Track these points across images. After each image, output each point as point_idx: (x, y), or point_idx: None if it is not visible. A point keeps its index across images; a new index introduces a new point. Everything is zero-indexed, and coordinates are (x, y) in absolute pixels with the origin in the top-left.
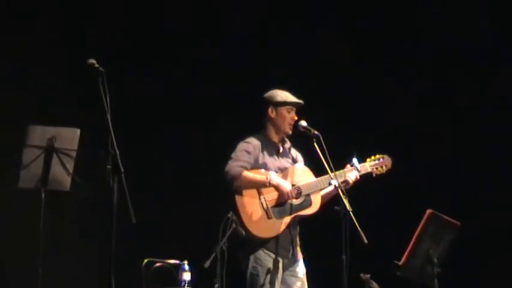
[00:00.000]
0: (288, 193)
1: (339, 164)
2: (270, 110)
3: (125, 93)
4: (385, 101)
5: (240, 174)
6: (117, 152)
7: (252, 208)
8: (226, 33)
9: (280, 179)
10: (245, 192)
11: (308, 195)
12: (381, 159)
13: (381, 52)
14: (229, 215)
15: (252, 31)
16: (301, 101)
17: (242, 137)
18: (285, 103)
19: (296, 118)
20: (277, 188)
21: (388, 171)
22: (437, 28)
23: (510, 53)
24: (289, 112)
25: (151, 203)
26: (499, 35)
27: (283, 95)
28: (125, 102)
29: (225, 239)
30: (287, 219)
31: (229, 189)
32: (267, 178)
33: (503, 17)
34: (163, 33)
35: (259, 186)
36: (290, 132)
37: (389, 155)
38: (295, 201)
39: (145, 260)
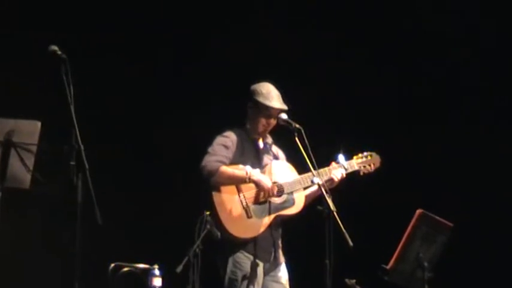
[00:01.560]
0: (268, 190)
1: (324, 161)
2: (249, 104)
3: (91, 82)
4: (374, 94)
5: (218, 169)
6: (82, 147)
7: (231, 206)
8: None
9: (261, 174)
10: (223, 188)
11: (291, 193)
12: (369, 157)
13: (370, 41)
14: (204, 215)
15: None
16: (282, 107)
17: (218, 132)
18: (262, 105)
19: (274, 123)
20: (257, 184)
21: (377, 170)
22: (428, 16)
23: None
24: (265, 116)
25: (119, 202)
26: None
27: (265, 94)
28: (91, 92)
29: (198, 241)
30: (268, 219)
31: (206, 185)
32: (246, 173)
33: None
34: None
35: (238, 182)
36: (265, 134)
37: (377, 152)
38: (277, 200)
39: (112, 265)
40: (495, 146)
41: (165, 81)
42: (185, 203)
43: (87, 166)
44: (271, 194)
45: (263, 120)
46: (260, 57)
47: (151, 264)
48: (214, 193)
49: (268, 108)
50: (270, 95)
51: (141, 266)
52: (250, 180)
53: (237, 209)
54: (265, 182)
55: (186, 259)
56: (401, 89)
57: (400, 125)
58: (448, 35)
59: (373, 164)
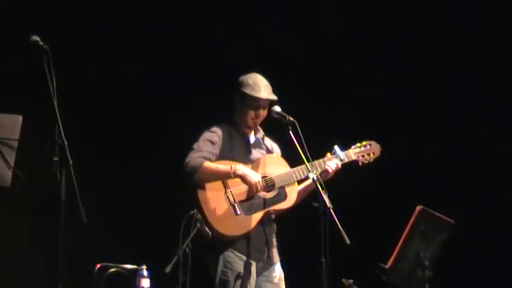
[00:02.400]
0: (255, 184)
1: (319, 152)
2: (236, 97)
3: (75, 75)
4: (371, 82)
5: (201, 165)
6: (65, 142)
7: (217, 203)
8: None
9: (247, 169)
10: (208, 185)
11: (282, 187)
12: (368, 146)
13: (370, 28)
14: (192, 212)
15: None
16: (270, 98)
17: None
18: (249, 96)
19: (264, 113)
20: (243, 178)
21: (376, 160)
22: (429, 16)
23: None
24: (253, 108)
25: (105, 200)
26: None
27: (252, 85)
28: (75, 85)
29: (188, 241)
30: (258, 215)
31: (190, 182)
32: (231, 168)
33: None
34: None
35: (223, 177)
36: (253, 127)
37: (377, 142)
38: (267, 195)
39: (98, 265)
40: (495, 146)
41: (162, 80)
42: (175, 202)
43: (71, 162)
44: (259, 188)
45: (251, 113)
46: (260, 57)
47: (139, 264)
48: (199, 191)
49: (255, 99)
50: (257, 85)
51: (129, 266)
52: (236, 175)
53: (223, 206)
54: (252, 176)
55: (175, 259)
56: (401, 88)
57: (399, 122)
58: (449, 35)
59: (373, 154)
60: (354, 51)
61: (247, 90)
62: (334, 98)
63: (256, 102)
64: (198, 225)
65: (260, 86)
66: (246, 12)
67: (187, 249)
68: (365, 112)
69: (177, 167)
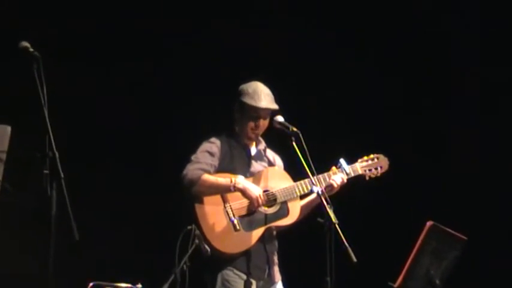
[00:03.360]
0: (256, 199)
1: (324, 166)
2: (235, 106)
3: (67, 83)
4: (379, 93)
5: (199, 177)
6: (56, 154)
7: (215, 218)
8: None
9: (248, 182)
10: (206, 199)
11: (285, 202)
12: (375, 159)
13: (376, 39)
14: (189, 227)
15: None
16: (270, 108)
17: (205, 137)
18: (248, 106)
19: (265, 123)
20: (243, 192)
21: (384, 174)
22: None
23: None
24: (252, 118)
25: (97, 215)
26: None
27: (251, 95)
28: (67, 94)
29: (186, 258)
30: (259, 232)
31: (188, 196)
32: (231, 181)
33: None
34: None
35: (222, 191)
36: (254, 138)
37: (385, 155)
38: (268, 210)
39: (91, 284)
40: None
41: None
42: (172, 216)
43: (62, 175)
44: (260, 203)
45: (251, 123)
46: (259, 60)
47: (134, 282)
48: (196, 205)
49: (254, 109)
50: (257, 94)
51: (123, 285)
52: (236, 189)
53: (222, 221)
54: (252, 191)
55: (172, 277)
56: (406, 94)
57: (409, 133)
58: (452, 35)
59: (380, 168)
60: (362, 62)
61: (247, 100)
62: (339, 108)
63: (255, 113)
64: (197, 241)
65: (260, 95)
66: (247, 12)
67: (184, 266)
68: (372, 123)
69: (174, 179)
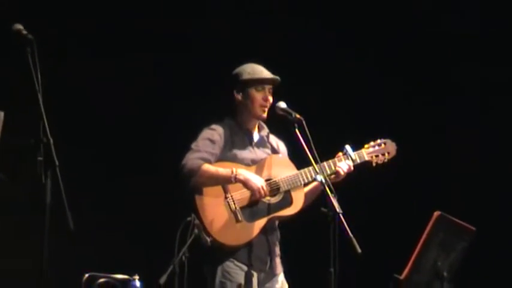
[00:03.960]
0: (258, 190)
1: (329, 152)
2: (235, 91)
3: (63, 68)
4: (385, 75)
5: (199, 167)
6: (51, 140)
7: (216, 210)
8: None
9: (250, 173)
10: (207, 190)
11: (288, 191)
12: (382, 145)
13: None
14: (189, 218)
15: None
16: (275, 77)
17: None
18: (252, 81)
19: (271, 99)
20: (244, 183)
21: (392, 160)
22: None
23: None
24: (259, 91)
25: (94, 204)
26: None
27: (251, 71)
28: (63, 79)
29: (185, 248)
30: (261, 222)
31: (187, 186)
32: (232, 172)
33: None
34: None
35: (223, 182)
36: (264, 116)
37: (392, 140)
38: (271, 200)
39: (86, 275)
40: None
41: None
42: (170, 206)
43: (57, 162)
44: (262, 194)
45: (259, 100)
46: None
47: (131, 274)
48: (196, 196)
49: (260, 81)
50: (257, 69)
51: (119, 276)
52: (237, 180)
53: (223, 213)
54: (254, 181)
55: (170, 268)
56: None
57: (415, 118)
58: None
59: (388, 153)
60: (364, 57)
61: (248, 77)
62: (343, 93)
63: (261, 86)
64: (196, 231)
65: (260, 69)
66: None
67: (183, 257)
68: (378, 108)
69: (172, 169)
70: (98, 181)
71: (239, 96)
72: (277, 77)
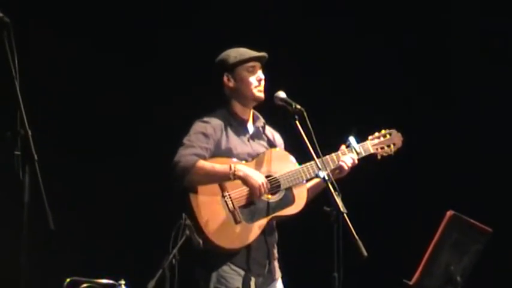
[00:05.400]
0: (259, 187)
1: (331, 145)
2: (225, 77)
3: (44, 53)
4: (391, 62)
5: (194, 164)
6: (29, 132)
7: (213, 210)
8: None
9: (250, 169)
10: (202, 189)
11: (289, 189)
12: (388, 136)
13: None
14: (182, 220)
15: None
16: (262, 54)
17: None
18: (241, 62)
19: (263, 78)
20: (244, 180)
21: (398, 152)
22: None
23: None
24: (250, 71)
25: (77, 202)
26: None
27: (236, 54)
28: (44, 65)
29: (175, 251)
30: (261, 223)
31: (181, 185)
32: (230, 168)
33: None
34: None
35: (220, 179)
36: (262, 96)
37: (398, 130)
38: (272, 198)
39: (68, 279)
40: None
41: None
42: (161, 206)
43: (36, 157)
44: (263, 191)
45: (252, 81)
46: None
47: (117, 279)
48: (191, 194)
49: (248, 61)
50: (242, 51)
51: (104, 281)
52: (236, 177)
53: (220, 213)
54: (255, 178)
55: (160, 272)
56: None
57: (424, 106)
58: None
59: (393, 144)
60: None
61: (236, 59)
62: (347, 83)
63: (251, 66)
64: (187, 232)
65: (243, 50)
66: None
67: (174, 261)
68: (383, 97)
69: (162, 164)
70: (82, 178)
71: (230, 83)
72: (265, 54)
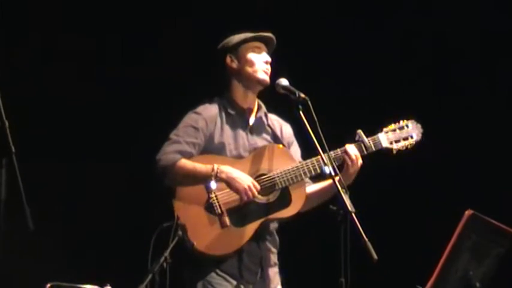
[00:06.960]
0: (244, 191)
1: (339, 140)
2: (228, 58)
3: (20, 41)
4: (405, 50)
5: (174, 164)
6: (6, 123)
7: (197, 213)
8: None
9: (234, 170)
10: (187, 190)
11: (286, 188)
12: (405, 127)
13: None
14: (165, 224)
15: None
16: (268, 34)
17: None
18: (247, 40)
19: (270, 61)
20: (228, 183)
21: (416, 146)
22: None
23: None
24: (255, 51)
25: (58, 201)
26: None
27: (241, 35)
28: (21, 53)
29: (166, 253)
30: (253, 227)
31: (163, 185)
32: (213, 170)
33: None
34: None
35: (201, 181)
36: (268, 80)
37: (417, 121)
38: (264, 199)
39: (49, 285)
40: None
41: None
42: (148, 206)
43: (13, 149)
44: (250, 196)
45: (258, 62)
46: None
47: (102, 284)
48: (174, 195)
49: (252, 40)
50: (242, 34)
51: (88, 286)
52: (218, 179)
53: (206, 217)
54: (239, 181)
55: (149, 277)
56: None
57: (444, 99)
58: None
59: (411, 137)
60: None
61: (240, 39)
62: (357, 72)
63: (256, 47)
64: (180, 233)
65: (246, 33)
66: None
67: (165, 264)
68: (399, 87)
69: (147, 170)
70: (66, 176)
71: (234, 64)
72: (271, 35)
